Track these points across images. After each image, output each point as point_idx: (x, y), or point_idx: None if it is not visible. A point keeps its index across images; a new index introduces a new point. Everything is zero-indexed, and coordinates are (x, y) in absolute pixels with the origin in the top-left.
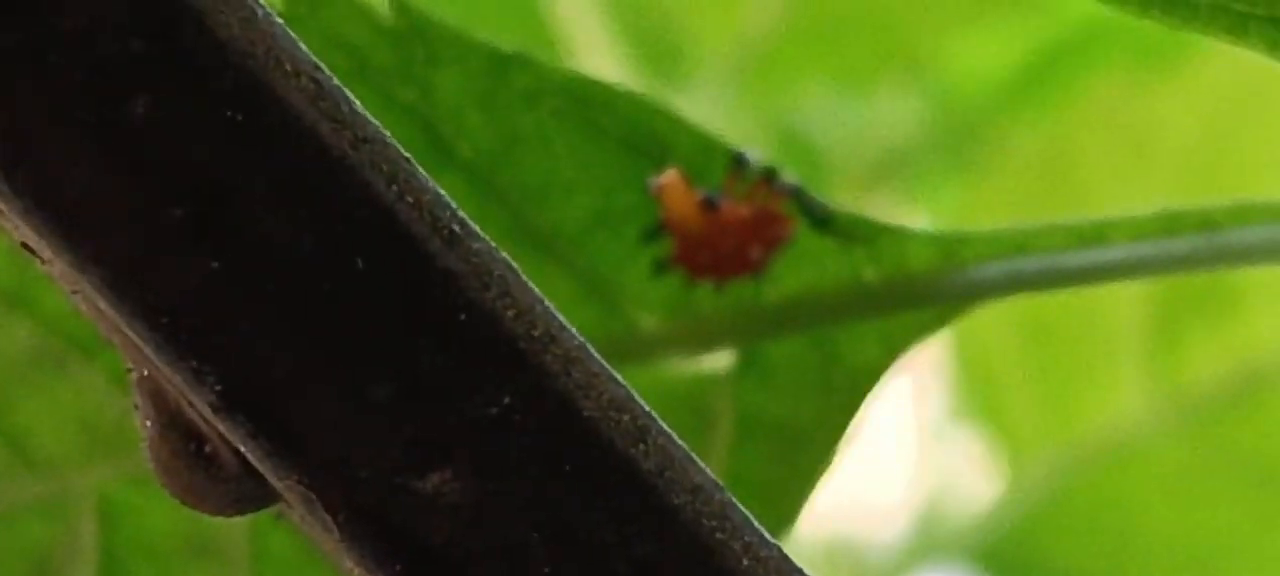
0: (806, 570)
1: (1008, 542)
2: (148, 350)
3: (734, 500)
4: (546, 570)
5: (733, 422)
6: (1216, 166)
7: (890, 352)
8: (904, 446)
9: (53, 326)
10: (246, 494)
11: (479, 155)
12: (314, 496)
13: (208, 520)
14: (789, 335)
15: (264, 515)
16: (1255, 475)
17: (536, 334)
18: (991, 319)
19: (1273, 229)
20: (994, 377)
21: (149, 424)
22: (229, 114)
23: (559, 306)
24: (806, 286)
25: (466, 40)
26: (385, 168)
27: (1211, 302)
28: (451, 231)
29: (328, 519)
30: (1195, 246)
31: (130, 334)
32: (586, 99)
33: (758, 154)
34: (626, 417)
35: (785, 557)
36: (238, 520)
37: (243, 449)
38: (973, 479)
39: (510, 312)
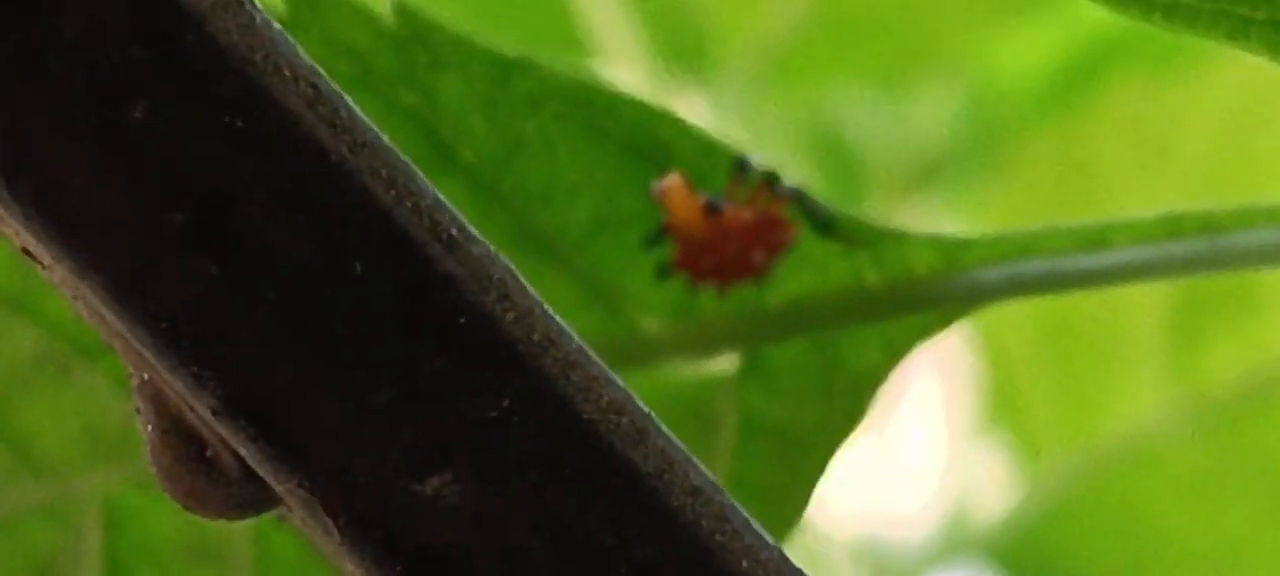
0: (806, 571)
1: (1027, 543)
2: (149, 355)
3: (734, 502)
4: (546, 572)
5: (735, 426)
6: (1235, 170)
7: (892, 356)
8: (929, 449)
9: (56, 331)
10: (248, 498)
11: (481, 159)
12: (315, 500)
13: (210, 524)
14: (791, 339)
15: (266, 519)
16: (1273, 477)
17: (536, 337)
18: (1012, 322)
19: (1276, 232)
20: (1014, 380)
21: (150, 428)
22: (228, 119)
23: (562, 311)
24: (809, 290)
25: (469, 45)
26: (384, 172)
27: (1230, 306)
28: (450, 235)
29: (329, 522)
30: (1198, 249)
31: (131, 339)
32: (589, 103)
33: (760, 158)
34: (626, 420)
35: (785, 559)
36: (240, 524)
37: (244, 453)
38: (994, 481)
39: (509, 316)
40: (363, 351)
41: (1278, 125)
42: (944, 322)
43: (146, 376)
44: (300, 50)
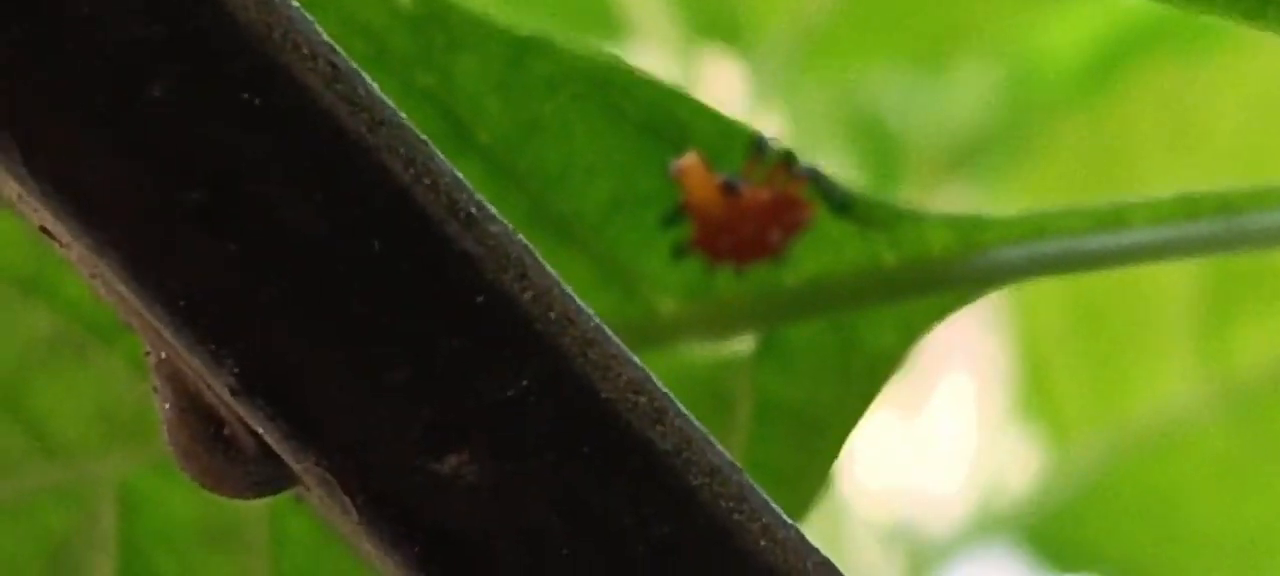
0: (823, 551)
1: (1057, 526)
2: (166, 334)
3: (752, 481)
4: (564, 551)
5: (751, 406)
6: (1266, 152)
7: (909, 337)
8: (960, 433)
9: (72, 313)
10: (265, 477)
11: (498, 140)
12: (332, 479)
13: (227, 505)
14: (808, 319)
15: (284, 499)
16: None
17: (553, 316)
18: (1042, 307)
19: None
20: (1045, 365)
21: (167, 407)
22: (246, 97)
23: (578, 291)
24: (826, 271)
25: (486, 25)
26: (402, 150)
27: (1258, 289)
28: (469, 214)
29: (346, 501)
30: (1217, 230)
31: (148, 318)
32: (606, 83)
33: (777, 138)
34: (644, 399)
35: (803, 538)
36: (257, 504)
37: (261, 432)
38: (1024, 464)
39: (527, 295)
40: (380, 330)
41: None
42: (961, 303)
43: (164, 355)
44: (318, 28)
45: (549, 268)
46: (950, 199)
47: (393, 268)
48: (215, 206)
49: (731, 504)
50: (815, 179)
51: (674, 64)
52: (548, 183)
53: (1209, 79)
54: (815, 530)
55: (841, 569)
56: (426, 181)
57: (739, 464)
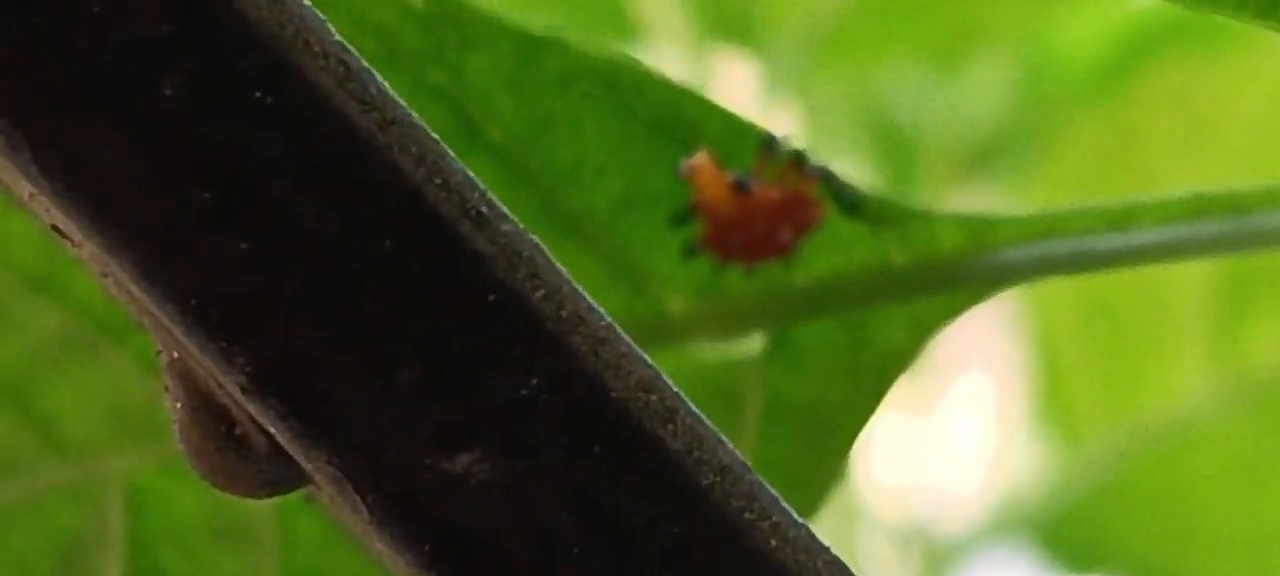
0: (834, 549)
1: (1070, 525)
2: (177, 332)
3: (762, 480)
4: (575, 550)
5: (761, 405)
6: None
7: (919, 336)
8: (975, 432)
9: (82, 311)
10: (276, 475)
11: (509, 138)
12: (343, 477)
13: (236, 504)
14: (818, 318)
15: (293, 498)
16: None
17: (565, 315)
18: (1057, 307)
19: None
20: (1060, 364)
21: (179, 406)
22: (257, 95)
23: (588, 289)
24: (836, 270)
25: (497, 23)
26: (413, 149)
27: (1272, 288)
28: (480, 213)
29: (357, 500)
30: (1227, 229)
31: (160, 316)
32: (617, 82)
33: (787, 136)
34: (655, 398)
35: (814, 537)
36: (266, 503)
37: (273, 430)
38: (1040, 463)
39: (538, 293)
40: (391, 328)
41: None
42: (972, 302)
43: (175, 354)
44: (330, 26)
45: (560, 266)
46: (963, 198)
47: (404, 266)
48: (227, 205)
49: (742, 503)
50: (826, 178)
51: (686, 64)
52: (558, 181)
53: (1221, 79)
54: (829, 530)
55: (854, 568)
56: (438, 180)
57: (749, 463)
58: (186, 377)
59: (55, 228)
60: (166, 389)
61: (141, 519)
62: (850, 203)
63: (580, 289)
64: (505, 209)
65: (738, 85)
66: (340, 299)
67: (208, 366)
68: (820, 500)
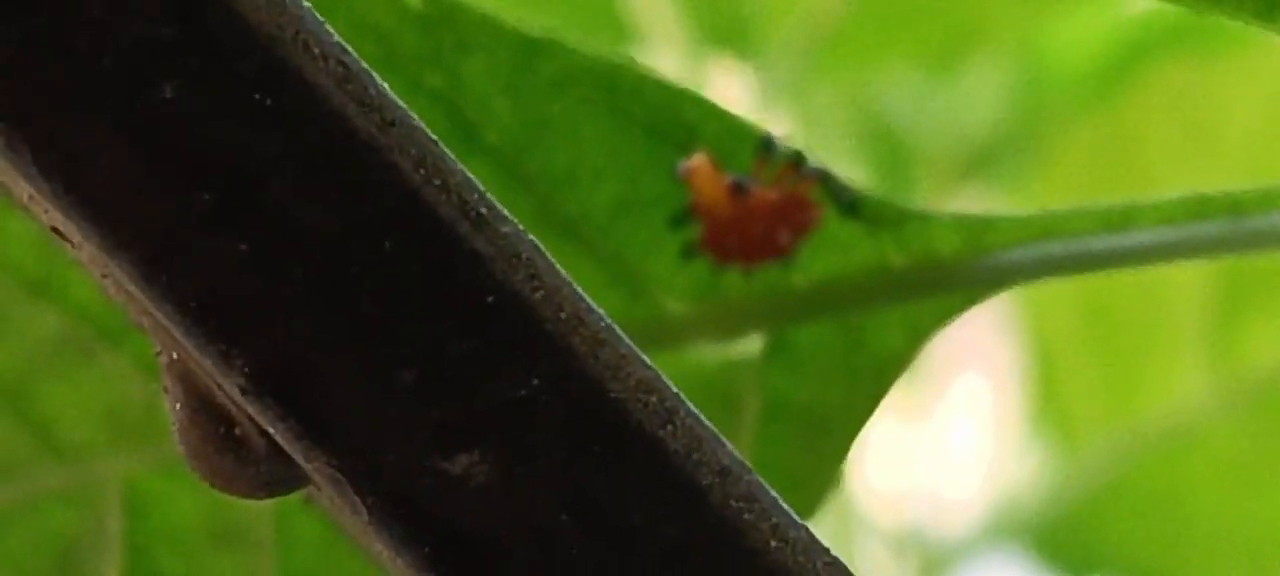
0: (834, 551)
1: (1067, 528)
2: (177, 333)
3: (762, 481)
4: (574, 552)
5: (759, 407)
6: (1278, 152)
7: (917, 338)
8: (972, 436)
9: (80, 314)
10: (275, 476)
11: (506, 141)
12: (343, 479)
13: (234, 506)
14: (816, 320)
15: (291, 500)
16: None
17: (564, 316)
18: (1055, 309)
19: None
20: (1057, 367)
21: (178, 407)
22: (257, 97)
23: (586, 292)
24: (834, 272)
25: (494, 26)
26: (413, 151)
27: (1270, 290)
28: (479, 214)
29: (356, 501)
30: (1226, 231)
31: (159, 318)
32: (614, 85)
33: (785, 138)
34: (654, 399)
35: (813, 538)
36: (264, 506)
37: (272, 431)
38: (1037, 467)
39: (537, 295)
40: (391, 330)
41: None
42: (969, 304)
43: (174, 355)
44: (329, 28)
45: (559, 268)
46: (961, 201)
47: (403, 268)
48: (226, 207)
49: (742, 504)
50: (824, 180)
51: (682, 70)
52: (556, 183)
53: (1219, 81)
54: (825, 532)
55: (852, 571)
56: (437, 182)
57: (748, 464)
58: (185, 379)
59: (54, 229)
60: (165, 390)
61: (139, 521)
62: (848, 204)
63: (579, 290)
64: (504, 210)
65: (734, 91)
66: (339, 300)
67: (207, 367)
68: (819, 502)
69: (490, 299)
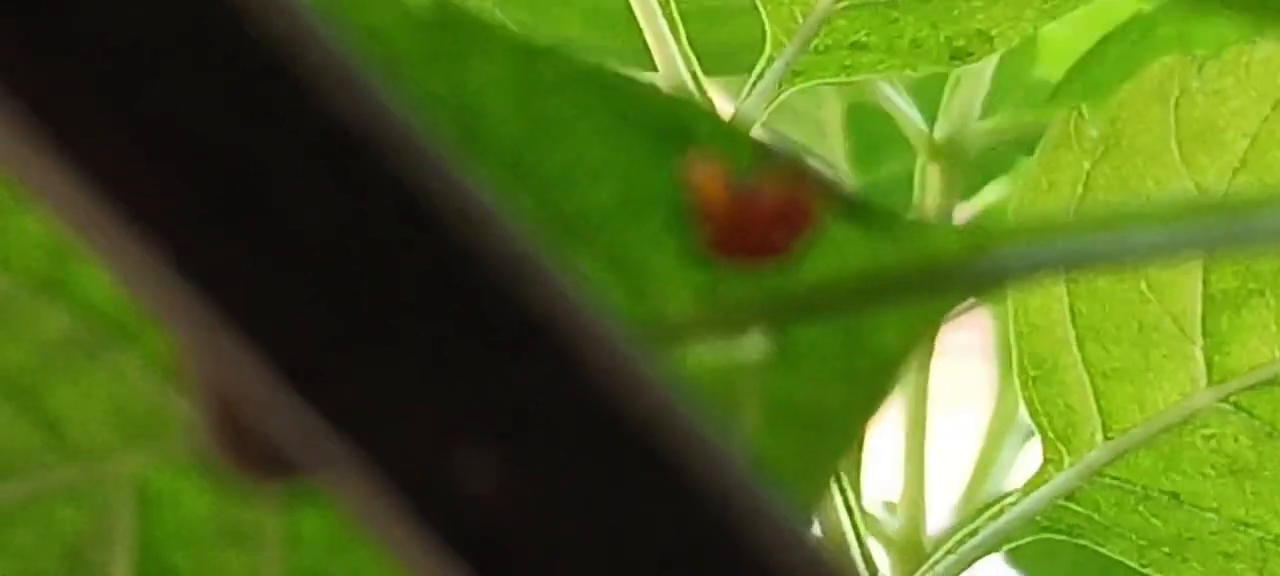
0: (834, 552)
1: (1058, 531)
2: (184, 330)
3: (762, 481)
4: (575, 552)
5: (758, 408)
6: (1274, 153)
7: (915, 338)
8: (963, 436)
9: (90, 311)
10: (285, 475)
11: (506, 142)
12: (352, 477)
13: (242, 507)
14: (815, 322)
15: (298, 498)
16: None
17: (566, 317)
18: (1047, 308)
19: None
20: (1048, 365)
21: (190, 403)
22: (257, 96)
23: (588, 292)
24: (833, 273)
25: (497, 31)
26: (413, 151)
27: (1267, 292)
28: (480, 214)
29: (360, 501)
30: (1220, 232)
31: (168, 314)
32: (615, 89)
33: (785, 141)
34: (654, 399)
35: (813, 539)
36: (271, 504)
37: (279, 429)
38: (1026, 468)
39: (538, 295)
40: (391, 330)
41: None
42: (965, 305)
43: (185, 351)
44: (329, 28)
45: (561, 267)
46: (958, 202)
47: (407, 268)
48: (226, 207)
49: (741, 505)
50: (822, 181)
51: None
52: (555, 184)
53: (1216, 81)
54: (822, 534)
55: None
56: (439, 182)
57: (748, 465)
58: (192, 376)
59: (61, 225)
60: (178, 387)
61: (149, 519)
62: (846, 206)
63: (582, 291)
64: (506, 209)
65: (726, 91)
66: (340, 300)
67: (215, 364)
68: (817, 502)
69: (491, 299)
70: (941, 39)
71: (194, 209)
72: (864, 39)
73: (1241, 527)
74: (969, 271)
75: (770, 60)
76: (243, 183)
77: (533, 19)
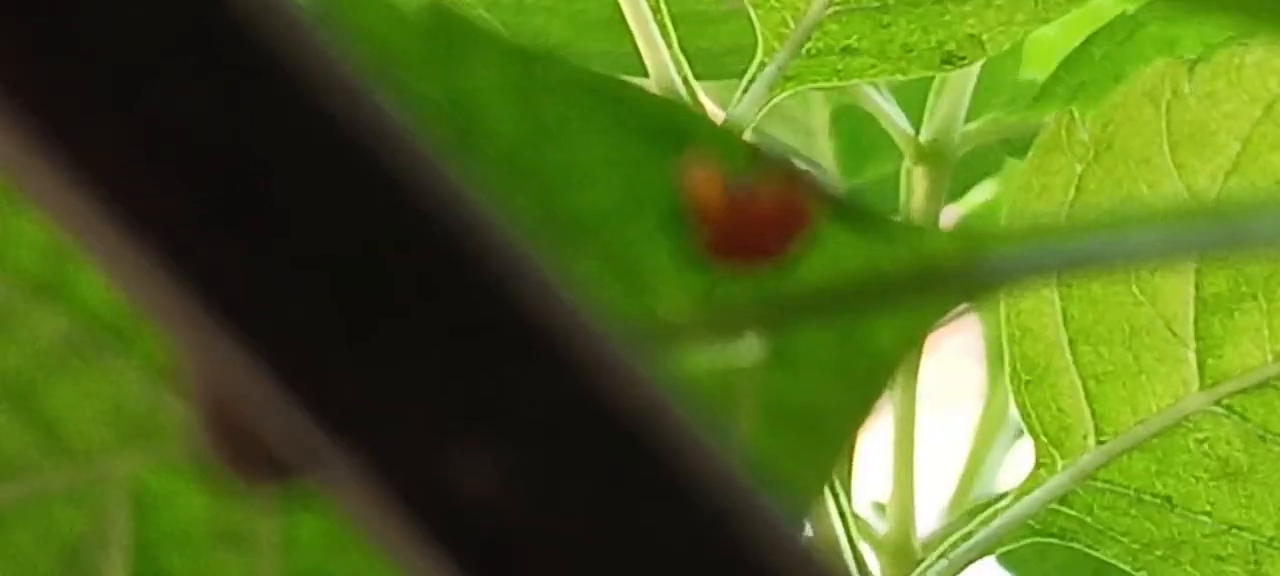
0: (829, 553)
1: (1051, 533)
2: (183, 333)
3: (756, 483)
4: (574, 553)
5: (754, 410)
6: (1271, 157)
7: (909, 341)
8: (955, 439)
9: (88, 314)
10: (283, 477)
11: (503, 145)
12: (351, 476)
13: (239, 509)
14: (810, 324)
15: (295, 500)
16: None
17: (563, 318)
18: (1045, 308)
19: None
20: (1041, 368)
21: (188, 405)
22: (257, 97)
23: (584, 294)
24: (827, 276)
25: (493, 37)
26: (412, 153)
27: (1260, 295)
28: (479, 215)
29: (361, 497)
30: (1213, 234)
31: (166, 317)
32: (611, 93)
33: (780, 144)
34: (651, 399)
35: (809, 541)
36: (268, 509)
37: (274, 431)
38: (1019, 470)
39: (537, 295)
40: (391, 330)
41: None
42: (958, 307)
43: (183, 353)
44: (327, 31)
45: (557, 268)
46: (953, 203)
47: (405, 269)
48: (226, 207)
49: (738, 506)
50: (816, 184)
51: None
52: (551, 186)
53: (1208, 84)
54: (818, 536)
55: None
56: (435, 184)
57: (744, 468)
58: (189, 379)
59: (59, 228)
60: (172, 390)
61: (146, 521)
62: (841, 209)
63: (578, 291)
64: (502, 211)
65: (718, 93)
66: (344, 299)
67: (208, 368)
68: (813, 503)
69: (490, 299)
70: (933, 43)
71: (192, 210)
72: (855, 43)
73: (1234, 531)
74: (963, 274)
75: (762, 65)
76: (241, 184)
77: (520, 23)
